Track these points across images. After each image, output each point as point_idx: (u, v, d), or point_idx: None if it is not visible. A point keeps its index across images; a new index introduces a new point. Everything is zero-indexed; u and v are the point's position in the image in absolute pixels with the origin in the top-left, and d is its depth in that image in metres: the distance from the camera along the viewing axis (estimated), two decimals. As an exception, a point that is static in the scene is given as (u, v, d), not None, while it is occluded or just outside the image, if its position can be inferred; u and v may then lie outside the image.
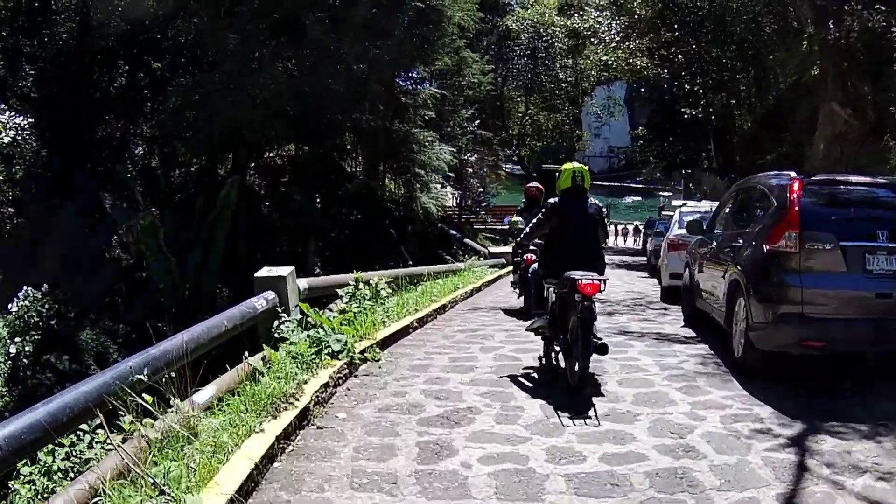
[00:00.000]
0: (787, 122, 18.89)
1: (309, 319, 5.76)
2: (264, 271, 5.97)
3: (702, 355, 6.41)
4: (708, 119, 24.99)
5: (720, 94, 25.32)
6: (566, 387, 5.11)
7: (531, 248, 7.36)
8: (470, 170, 32.24)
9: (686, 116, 25.67)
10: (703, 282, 7.41)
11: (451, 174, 24.04)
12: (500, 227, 38.20)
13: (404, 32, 18.53)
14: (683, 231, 10.02)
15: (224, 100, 14.81)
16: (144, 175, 17.61)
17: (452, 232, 29.73)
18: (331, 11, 17.30)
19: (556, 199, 5.77)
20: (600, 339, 5.04)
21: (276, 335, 5.39)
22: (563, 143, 46.09)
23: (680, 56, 25.62)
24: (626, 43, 24.87)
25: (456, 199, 38.15)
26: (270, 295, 5.64)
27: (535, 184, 10.27)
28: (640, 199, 67.59)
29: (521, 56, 34.36)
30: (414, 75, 23.31)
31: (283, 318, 5.57)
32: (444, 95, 23.33)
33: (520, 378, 5.56)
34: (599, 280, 5.05)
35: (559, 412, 4.57)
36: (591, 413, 4.54)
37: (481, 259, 19.18)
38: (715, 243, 7.13)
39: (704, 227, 7.78)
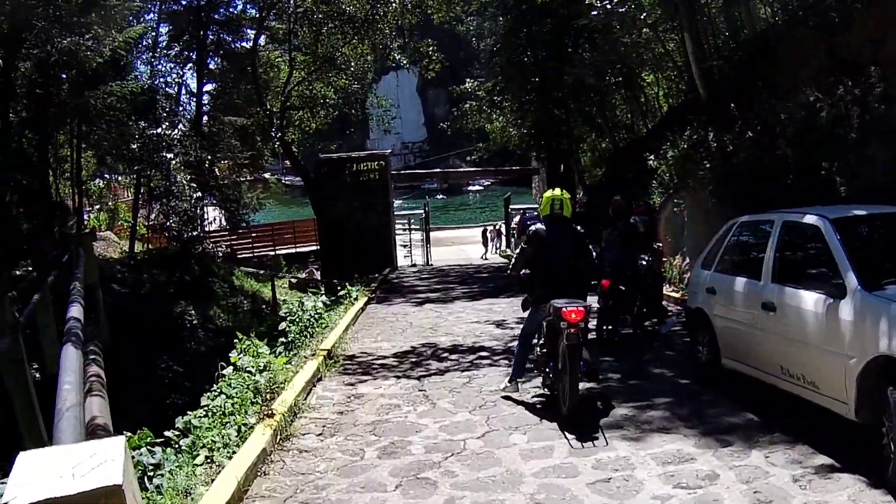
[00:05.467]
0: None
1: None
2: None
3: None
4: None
5: None
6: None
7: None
8: (171, 158, 17.17)
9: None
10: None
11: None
12: (281, 254, 26.30)
13: None
14: None
15: None
16: None
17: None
18: None
19: (536, 226, 5.77)
20: (592, 365, 5.31)
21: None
22: (350, 130, 36.64)
23: None
24: None
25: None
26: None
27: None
28: (444, 198, 58.94)
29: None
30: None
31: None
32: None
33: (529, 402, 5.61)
34: (584, 307, 5.07)
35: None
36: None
37: None
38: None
39: None
